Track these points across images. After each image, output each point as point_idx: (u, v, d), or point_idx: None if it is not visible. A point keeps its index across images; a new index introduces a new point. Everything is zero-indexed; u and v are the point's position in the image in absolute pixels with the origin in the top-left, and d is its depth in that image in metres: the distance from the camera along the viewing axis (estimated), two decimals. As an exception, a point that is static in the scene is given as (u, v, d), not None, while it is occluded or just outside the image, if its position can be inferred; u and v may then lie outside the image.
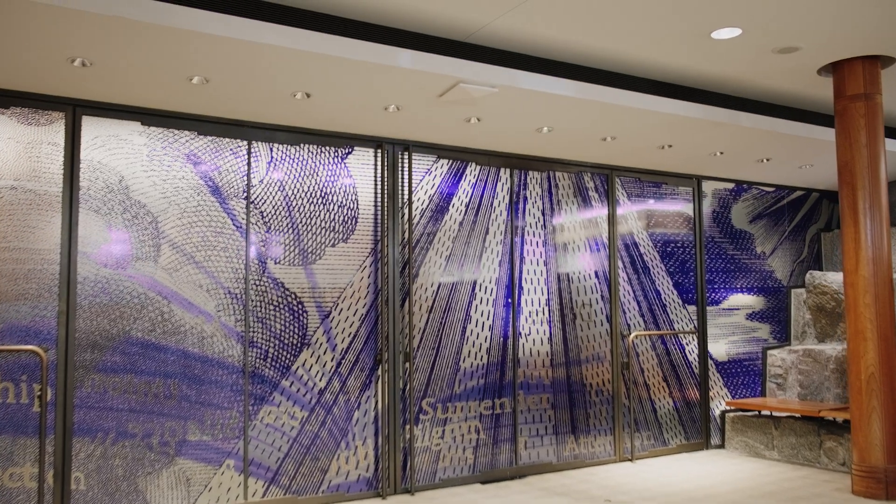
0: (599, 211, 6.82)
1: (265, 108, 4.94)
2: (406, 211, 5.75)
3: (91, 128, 4.69)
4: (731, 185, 7.76)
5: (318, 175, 5.43)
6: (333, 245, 5.46)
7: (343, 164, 5.54)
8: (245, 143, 5.17)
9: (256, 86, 4.53)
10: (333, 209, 5.48)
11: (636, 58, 5.11)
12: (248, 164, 5.17)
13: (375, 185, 5.65)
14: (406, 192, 5.76)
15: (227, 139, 5.11)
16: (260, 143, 5.23)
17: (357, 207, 5.57)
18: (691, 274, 7.37)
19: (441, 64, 4.52)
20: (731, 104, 5.95)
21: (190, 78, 4.36)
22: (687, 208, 7.40)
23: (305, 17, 4.18)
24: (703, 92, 5.87)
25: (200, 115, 4.99)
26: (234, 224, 5.09)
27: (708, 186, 7.57)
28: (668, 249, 7.23)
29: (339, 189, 5.51)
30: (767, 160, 7.00)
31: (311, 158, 5.42)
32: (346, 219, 5.52)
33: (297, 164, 5.36)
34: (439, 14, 4.36)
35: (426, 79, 4.55)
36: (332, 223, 5.47)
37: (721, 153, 6.70)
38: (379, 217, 5.65)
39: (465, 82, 4.68)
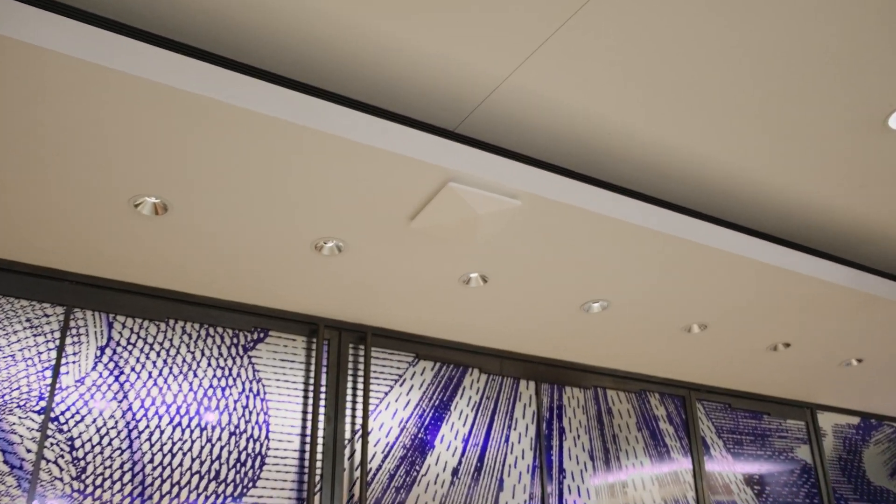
0: (679, 460, 4.27)
1: (96, 246, 2.70)
2: (358, 447, 3.27)
3: None
4: (855, 420, 5.28)
5: (194, 375, 3.03)
6: (214, 508, 2.91)
7: (245, 360, 3.16)
8: (60, 311, 2.85)
9: (52, 163, 2.33)
10: (220, 440, 3.00)
11: (743, 178, 2.98)
12: (60, 349, 2.80)
13: (305, 399, 3.23)
14: (360, 414, 3.32)
15: (23, 301, 2.80)
16: (88, 312, 2.91)
17: (266, 438, 3.09)
18: (827, 562, 4.62)
19: (418, 143, 2.37)
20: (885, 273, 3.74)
21: None
22: (802, 453, 4.85)
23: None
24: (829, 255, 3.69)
25: (-30, 252, 2.73)
26: (6, 461, 2.60)
27: (826, 420, 5.09)
28: (788, 520, 4.56)
29: (235, 403, 3.08)
30: (921, 377, 4.63)
31: (186, 345, 3.05)
32: (244, 459, 3.02)
33: (157, 354, 2.99)
34: (408, 87, 2.31)
35: (389, 168, 2.37)
36: (217, 466, 2.95)
37: (858, 361, 4.34)
38: (307, 458, 3.15)
39: (458, 181, 2.50)
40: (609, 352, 3.97)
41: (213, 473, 2.92)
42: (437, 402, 3.57)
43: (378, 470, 3.29)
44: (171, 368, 2.97)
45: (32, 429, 2.65)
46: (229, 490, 2.94)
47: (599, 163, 2.94)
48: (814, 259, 3.33)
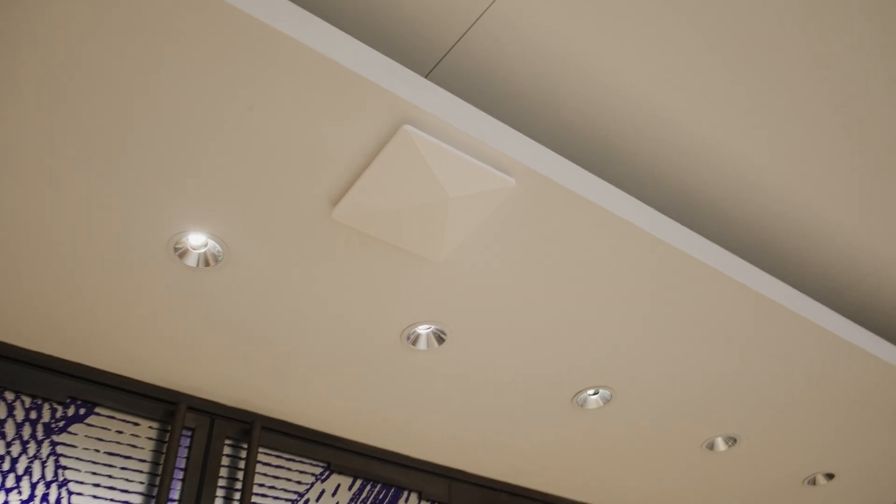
0: None
1: None
2: None
3: None
4: None
5: (-52, 468, 1.80)
6: None
7: (45, 448, 1.93)
8: None
9: None
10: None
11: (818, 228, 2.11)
12: None
13: (143, 521, 2.00)
14: (232, 550, 2.08)
15: None
16: None
17: (62, 584, 1.83)
18: None
19: (356, 52, 1.41)
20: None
21: None
22: None
23: None
24: None
25: None
26: None
27: None
28: None
29: (20, 523, 1.83)
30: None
31: (-56, 417, 1.84)
32: None
33: None
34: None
35: (300, 82, 1.38)
36: None
37: (908, 508, 3.34)
38: None
39: (420, 126, 1.52)
40: (599, 479, 2.85)
41: None
42: (355, 538, 2.36)
43: None
44: None
45: None
46: None
47: (610, 161, 2.02)
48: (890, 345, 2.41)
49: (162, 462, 2.05)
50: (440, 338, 2.06)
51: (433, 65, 1.75)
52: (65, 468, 1.92)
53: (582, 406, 2.39)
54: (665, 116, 1.86)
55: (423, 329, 2.03)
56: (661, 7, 1.63)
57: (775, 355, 2.24)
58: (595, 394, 2.37)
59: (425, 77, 1.76)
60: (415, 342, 2.07)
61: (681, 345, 2.16)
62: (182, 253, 1.73)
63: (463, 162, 1.55)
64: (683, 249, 1.85)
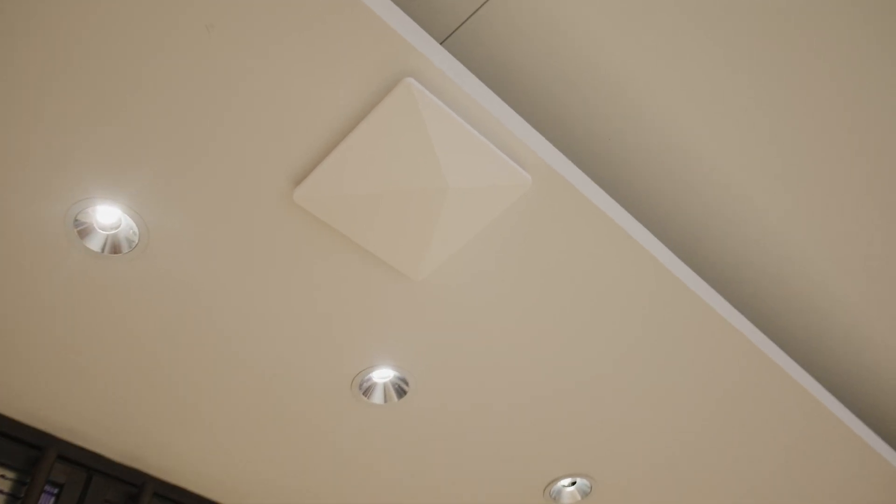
0: None
1: None
2: None
3: None
4: None
5: None
6: None
7: None
8: None
9: None
10: None
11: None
12: None
13: None
14: None
15: None
16: None
17: None
18: None
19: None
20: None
21: None
22: None
23: None
24: None
25: None
26: None
27: None
28: None
29: None
30: None
31: None
32: None
33: None
34: None
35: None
36: None
37: None
38: None
39: (420, 79, 1.17)
40: None
41: None
42: None
43: None
44: None
45: None
46: None
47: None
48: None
49: (11, 525, 1.53)
50: (401, 390, 1.65)
51: (443, 38, 1.44)
52: None
53: (555, 500, 1.98)
54: (686, 149, 1.57)
55: (380, 376, 1.62)
56: (701, 24, 1.37)
57: (787, 455, 1.90)
58: (571, 485, 1.97)
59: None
60: (368, 393, 1.64)
61: (677, 422, 1.80)
62: (84, 231, 1.30)
63: (473, 142, 1.21)
64: (719, 313, 1.52)
